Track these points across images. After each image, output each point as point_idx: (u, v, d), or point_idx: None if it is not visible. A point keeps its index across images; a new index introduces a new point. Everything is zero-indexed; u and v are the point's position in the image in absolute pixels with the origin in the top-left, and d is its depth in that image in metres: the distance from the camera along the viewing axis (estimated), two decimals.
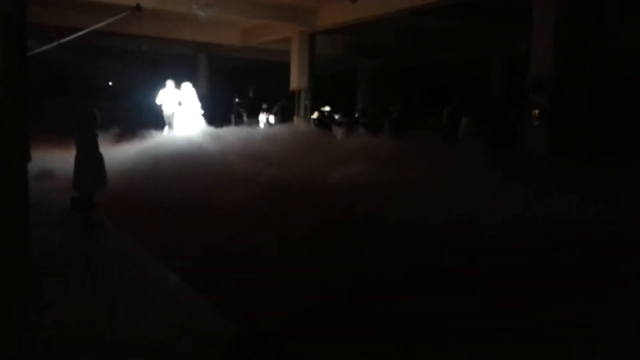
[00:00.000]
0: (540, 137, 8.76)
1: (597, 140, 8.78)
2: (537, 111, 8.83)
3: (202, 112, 12.80)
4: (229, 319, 3.06)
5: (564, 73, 8.70)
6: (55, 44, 10.02)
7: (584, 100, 8.97)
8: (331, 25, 14.16)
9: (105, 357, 2.62)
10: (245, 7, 13.37)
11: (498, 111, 12.96)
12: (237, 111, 18.82)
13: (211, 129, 12.02)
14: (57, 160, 8.01)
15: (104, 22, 10.15)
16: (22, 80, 3.18)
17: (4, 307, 3.02)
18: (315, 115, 15.74)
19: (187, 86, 12.58)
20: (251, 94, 21.57)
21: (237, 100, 20.00)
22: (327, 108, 17.81)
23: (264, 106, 16.57)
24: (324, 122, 15.10)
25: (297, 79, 15.50)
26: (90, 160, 5.16)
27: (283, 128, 13.09)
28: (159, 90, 12.74)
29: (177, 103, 12.43)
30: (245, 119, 17.25)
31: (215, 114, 15.88)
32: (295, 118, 15.20)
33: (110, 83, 21.47)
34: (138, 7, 10.08)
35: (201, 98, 13.47)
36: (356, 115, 17.37)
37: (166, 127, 12.41)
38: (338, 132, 14.38)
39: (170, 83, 12.72)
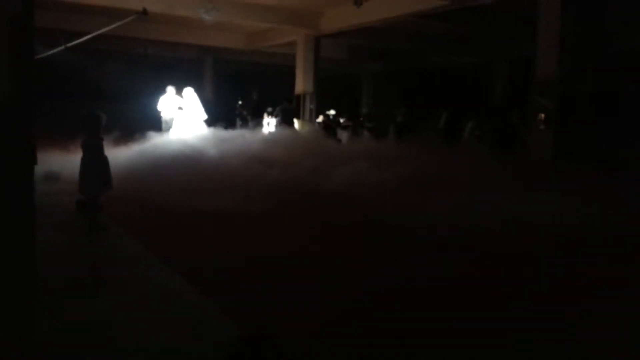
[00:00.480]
0: (546, 141, 8.75)
1: (602, 143, 8.76)
2: (542, 115, 8.82)
3: (206, 117, 12.58)
4: (232, 320, 3.06)
5: (569, 77, 8.70)
6: (62, 47, 10.10)
7: (590, 103, 8.95)
8: (336, 29, 14.19)
9: (109, 358, 2.63)
10: (251, 11, 13.41)
11: (500, 114, 12.92)
12: (241, 114, 18.86)
13: (212, 131, 11.90)
14: (62, 162, 8.05)
15: (111, 26, 10.24)
16: (29, 83, 3.21)
17: (9, 309, 3.04)
18: (320, 118, 15.75)
19: (189, 91, 12.44)
20: (255, 97, 21.60)
21: (239, 103, 20.03)
22: (332, 112, 17.82)
23: (269, 109, 16.58)
24: (330, 125, 15.11)
25: (302, 83, 15.48)
26: (95, 163, 5.18)
27: (284, 132, 12.83)
28: (161, 95, 12.70)
29: (177, 108, 12.30)
30: (249, 121, 17.24)
31: (220, 117, 15.86)
32: (297, 121, 15.04)
33: (116, 86, 21.58)
34: (144, 12, 10.16)
35: (206, 101, 13.41)
36: (361, 119, 17.40)
37: (165, 132, 12.17)
38: (343, 135, 14.40)
39: (170, 89, 12.63)
